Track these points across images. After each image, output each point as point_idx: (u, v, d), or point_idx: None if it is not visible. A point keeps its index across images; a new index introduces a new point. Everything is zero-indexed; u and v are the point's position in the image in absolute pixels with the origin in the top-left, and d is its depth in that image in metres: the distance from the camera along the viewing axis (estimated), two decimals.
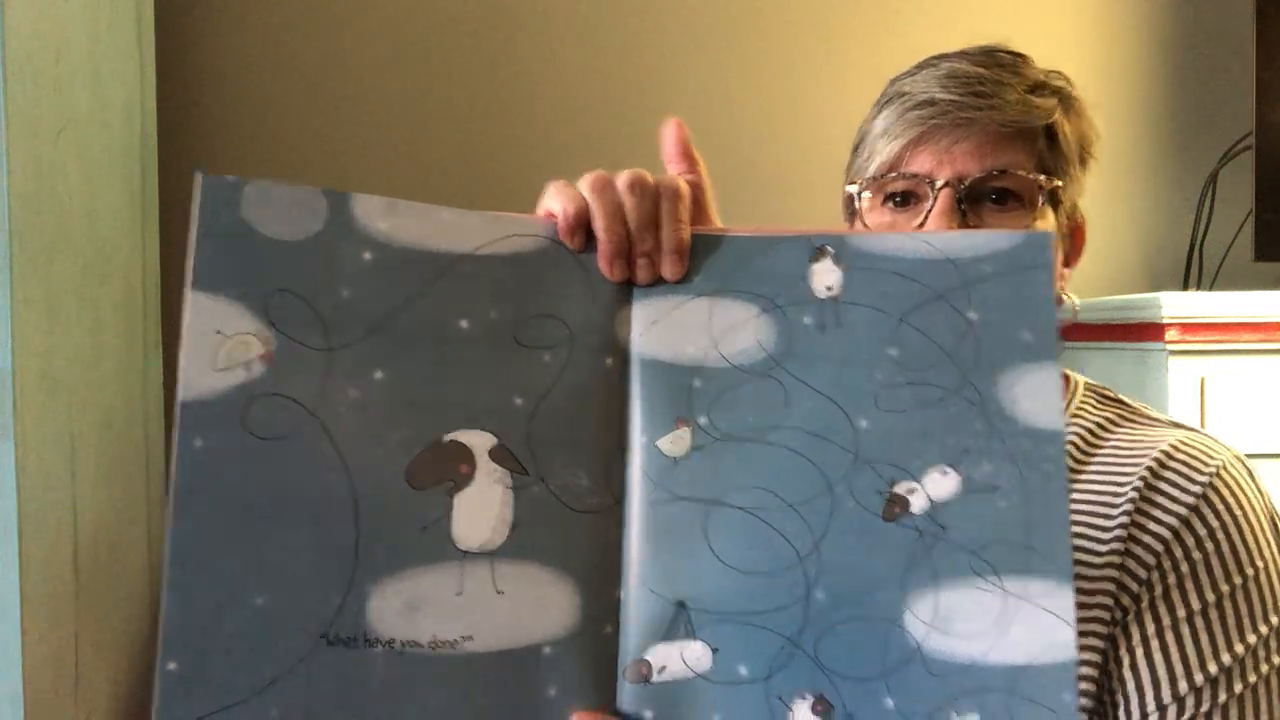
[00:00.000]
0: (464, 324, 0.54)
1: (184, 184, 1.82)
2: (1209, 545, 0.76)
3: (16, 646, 1.31)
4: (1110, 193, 1.95)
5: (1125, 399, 0.89)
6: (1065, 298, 0.88)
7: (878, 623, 0.52)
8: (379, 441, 0.53)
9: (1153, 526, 0.77)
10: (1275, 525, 0.80)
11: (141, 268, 1.70)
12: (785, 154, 1.90)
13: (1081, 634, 0.74)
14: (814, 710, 0.52)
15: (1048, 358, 0.54)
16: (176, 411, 0.51)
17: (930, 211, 0.78)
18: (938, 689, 0.51)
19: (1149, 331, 1.51)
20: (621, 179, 0.59)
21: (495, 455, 0.54)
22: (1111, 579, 0.76)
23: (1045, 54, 1.96)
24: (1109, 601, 0.76)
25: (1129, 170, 1.96)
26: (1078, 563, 0.75)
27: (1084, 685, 0.75)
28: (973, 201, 0.79)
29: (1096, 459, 0.82)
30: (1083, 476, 0.81)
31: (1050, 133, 0.81)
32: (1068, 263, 0.88)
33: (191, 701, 0.51)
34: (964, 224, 0.78)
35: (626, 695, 0.53)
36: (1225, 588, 0.75)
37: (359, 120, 1.89)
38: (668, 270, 0.57)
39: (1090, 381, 0.90)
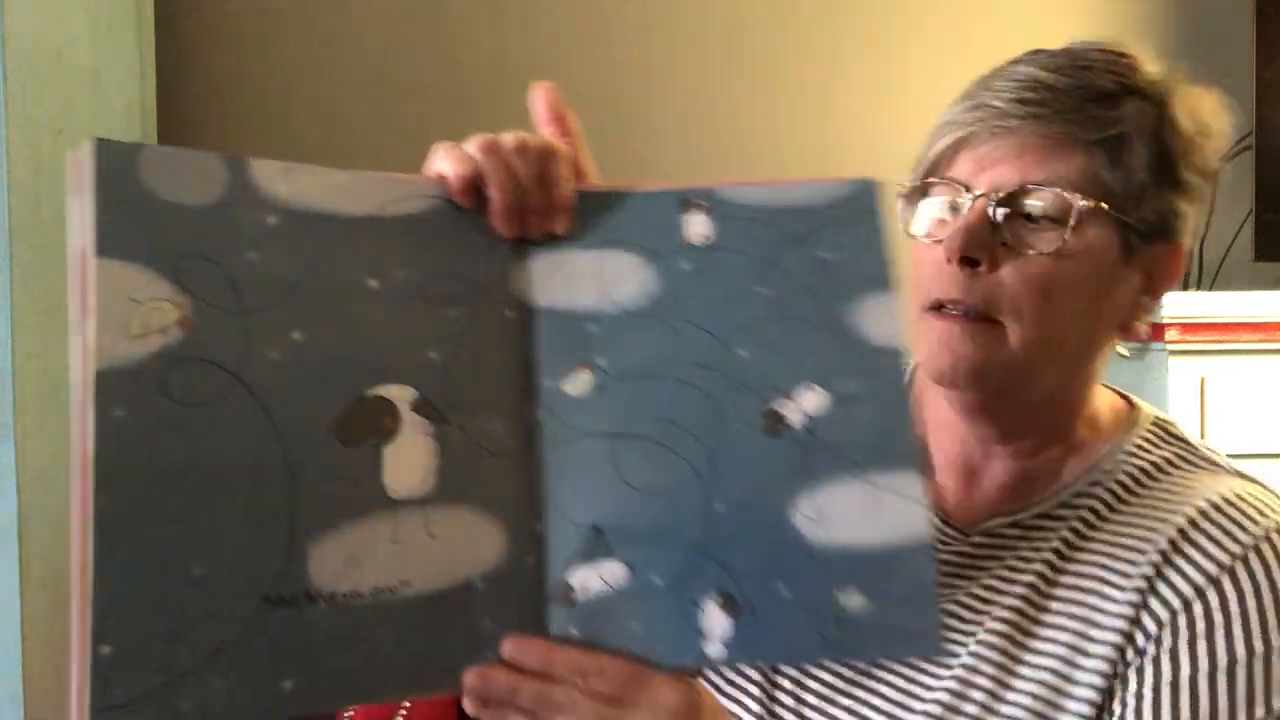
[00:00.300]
0: (373, 284, 0.56)
1: None
2: (1233, 609, 0.70)
3: (16, 646, 1.31)
4: None
5: (1191, 439, 0.81)
6: (1140, 328, 0.78)
7: (769, 524, 0.58)
8: (304, 401, 0.53)
9: (1178, 579, 0.72)
10: None
11: None
12: (786, 155, 1.90)
13: (1083, 695, 0.72)
14: (721, 607, 0.58)
15: (887, 287, 0.62)
16: (90, 381, 0.49)
17: (960, 221, 0.72)
18: (824, 574, 0.58)
19: (1149, 331, 1.51)
20: (508, 140, 0.60)
21: (417, 407, 0.56)
22: (1123, 628, 0.72)
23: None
24: (1114, 654, 0.72)
25: None
26: (1095, 607, 0.73)
27: (1088, 710, 0.71)
28: (1010, 214, 0.72)
29: (1139, 501, 0.76)
30: (1118, 517, 0.76)
31: (1112, 146, 0.72)
32: (1151, 290, 0.77)
33: (130, 684, 0.49)
34: (994, 237, 0.72)
35: (554, 617, 0.57)
36: (1241, 653, 0.70)
37: (359, 120, 1.89)
38: (558, 226, 0.61)
39: (1161, 416, 0.83)
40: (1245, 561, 0.71)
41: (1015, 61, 0.77)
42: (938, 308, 0.74)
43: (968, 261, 0.72)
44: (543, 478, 0.58)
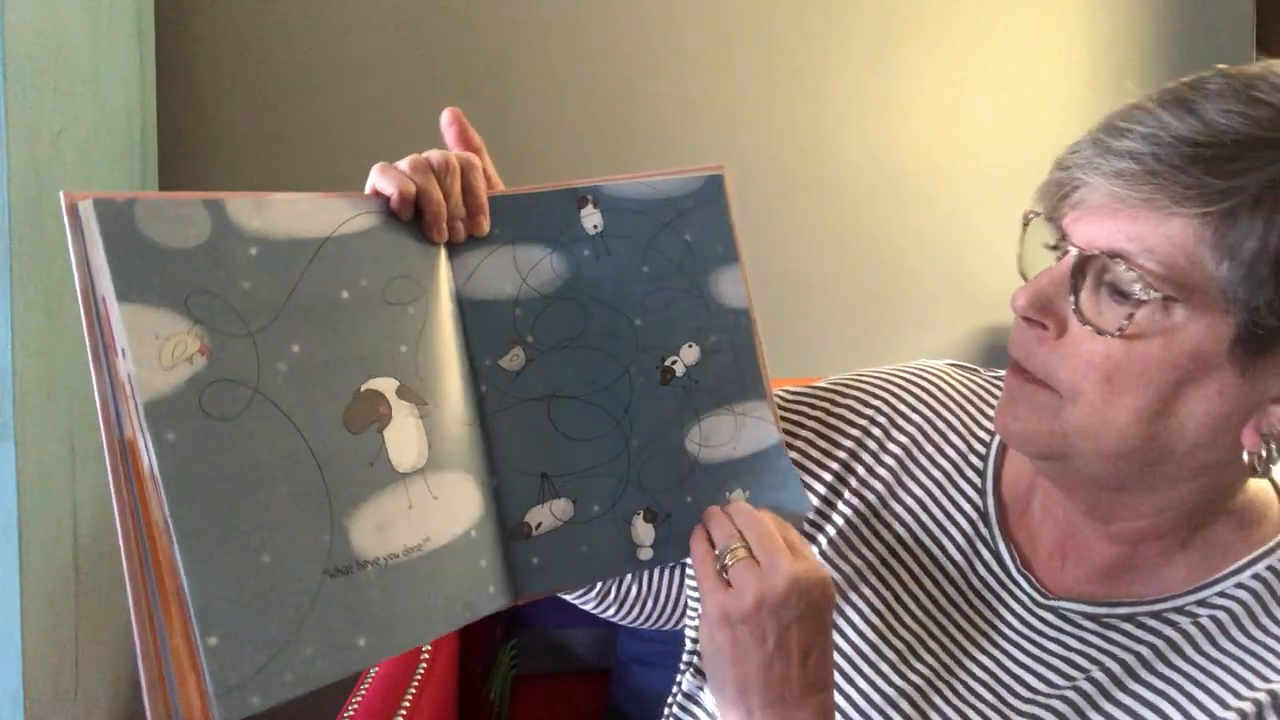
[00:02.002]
0: (345, 294, 0.64)
1: (184, 184, 1.82)
2: None
3: (16, 646, 1.31)
4: None
5: None
6: (1266, 451, 0.66)
7: (671, 451, 0.75)
8: (314, 401, 0.62)
9: None
10: None
11: None
12: (783, 156, 1.91)
13: None
14: (646, 520, 0.74)
15: (734, 260, 0.78)
16: (141, 413, 0.56)
17: (1040, 279, 0.67)
18: (713, 482, 0.75)
19: None
20: (435, 159, 0.68)
21: (400, 394, 0.65)
22: None
23: (1044, 55, 1.97)
24: None
25: None
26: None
27: None
28: (1094, 278, 0.65)
29: (1240, 644, 0.67)
30: (1206, 657, 0.67)
31: (1224, 218, 0.59)
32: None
33: (242, 664, 0.56)
34: (1066, 300, 0.66)
35: (516, 551, 0.70)
36: None
37: (358, 120, 1.89)
38: (479, 228, 0.70)
39: None
40: None
41: (1165, 91, 0.66)
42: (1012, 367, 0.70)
43: (1033, 322, 0.68)
44: (494, 440, 0.70)
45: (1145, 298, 0.62)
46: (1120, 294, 0.64)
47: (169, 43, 1.83)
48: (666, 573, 0.92)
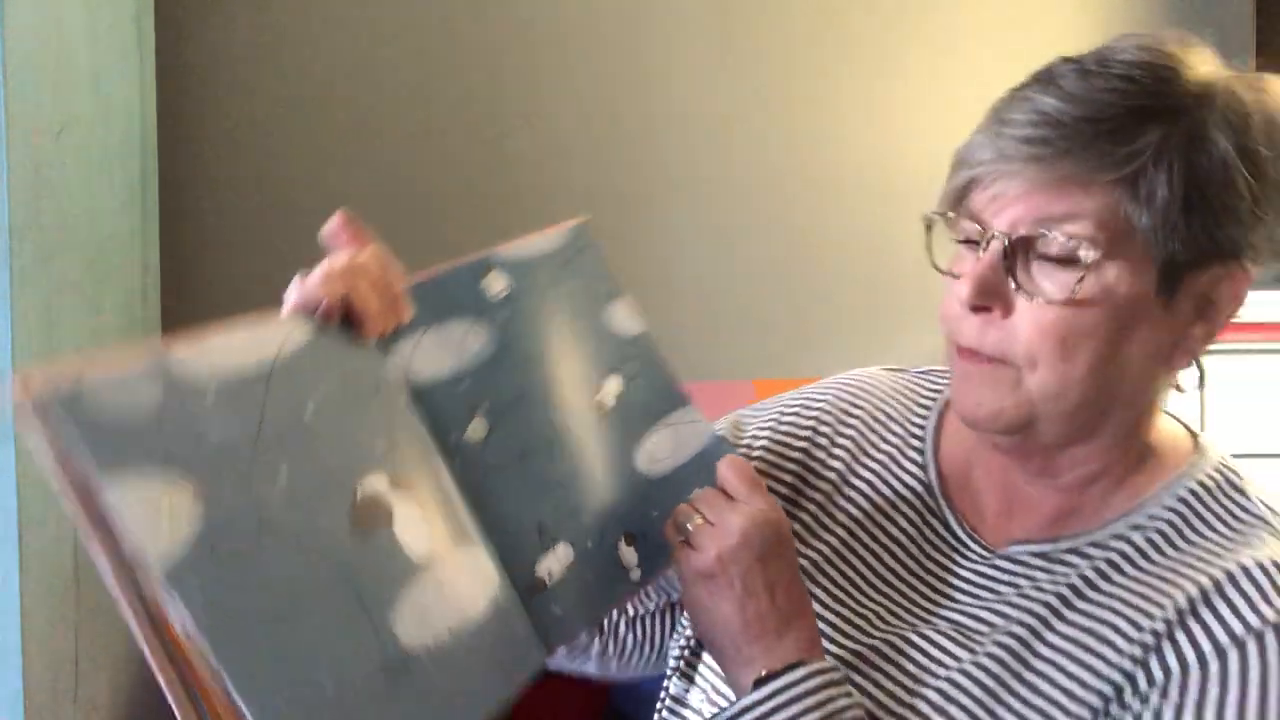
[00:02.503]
0: (310, 408, 0.64)
1: (184, 184, 1.83)
2: (1235, 684, 0.67)
3: (16, 647, 1.31)
4: None
5: (1249, 490, 0.77)
6: (1190, 359, 0.75)
7: (628, 476, 0.79)
8: (318, 517, 0.62)
9: (1184, 641, 0.70)
10: None
11: (141, 268, 1.70)
12: (784, 157, 1.90)
13: (1084, 703, 0.71)
14: (626, 543, 0.77)
15: (618, 295, 0.84)
16: (163, 586, 0.55)
17: (973, 266, 0.72)
18: (672, 491, 0.79)
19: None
20: (345, 263, 0.69)
21: (395, 485, 0.66)
22: (1115, 683, 0.70)
23: (1044, 53, 1.96)
24: (1100, 704, 0.71)
25: None
26: (1097, 655, 0.72)
27: None
28: (1025, 254, 0.71)
29: (1174, 558, 0.74)
30: (1147, 571, 0.74)
31: (1132, 180, 0.69)
32: (1206, 317, 0.74)
33: None
34: (1007, 282, 0.71)
35: (537, 605, 0.71)
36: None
37: (358, 120, 1.89)
38: (402, 318, 0.71)
39: (1225, 461, 0.79)
40: (1261, 639, 0.68)
41: (1034, 82, 0.74)
42: (960, 349, 0.75)
43: (981, 309, 0.72)
44: (485, 507, 0.71)
45: (1087, 261, 0.69)
46: (1061, 262, 0.70)
47: (169, 43, 1.83)
48: (658, 621, 0.96)
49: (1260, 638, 0.68)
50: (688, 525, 0.75)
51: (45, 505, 1.37)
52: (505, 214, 1.91)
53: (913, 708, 0.75)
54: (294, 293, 0.69)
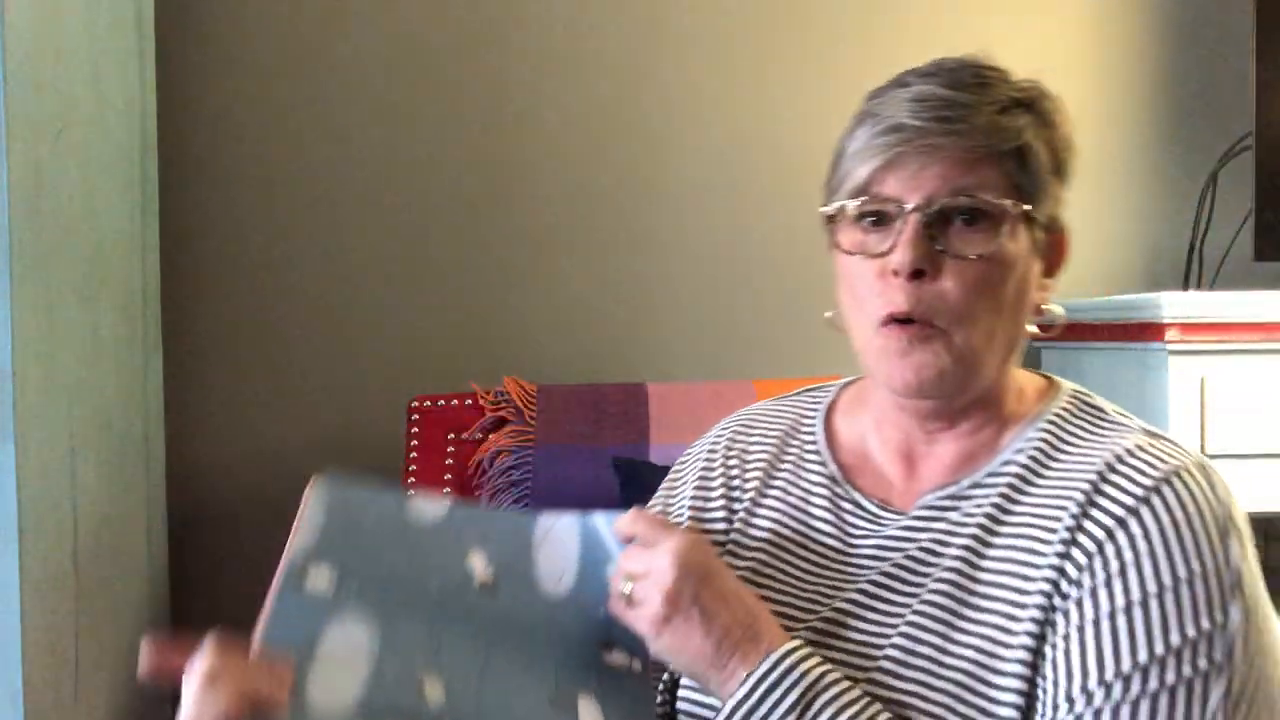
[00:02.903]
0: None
1: (184, 184, 1.83)
2: (1142, 545, 0.77)
3: (16, 646, 1.31)
4: (1110, 192, 1.95)
5: (1106, 407, 0.90)
6: (1047, 308, 0.89)
7: (556, 605, 0.83)
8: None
9: (1091, 525, 0.79)
10: (1225, 534, 0.79)
11: (141, 268, 1.70)
12: (786, 158, 1.90)
13: (1019, 641, 0.79)
14: (607, 651, 0.82)
15: (405, 499, 0.88)
16: None
17: (900, 237, 0.82)
18: (592, 586, 0.83)
19: (1149, 331, 1.51)
20: (206, 681, 0.74)
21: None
22: (1049, 585, 0.79)
23: (1045, 54, 1.97)
24: (1045, 602, 0.79)
25: (1129, 170, 1.96)
26: (1026, 563, 0.80)
27: (1018, 684, 0.78)
28: (941, 224, 0.82)
29: (1061, 464, 0.84)
30: (1043, 480, 0.84)
31: (1020, 153, 0.83)
32: (1049, 273, 0.89)
33: None
34: (933, 247, 0.81)
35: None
36: (1152, 587, 0.76)
37: (358, 120, 1.89)
38: (286, 678, 0.75)
39: (1078, 389, 0.92)
40: (1148, 502, 0.79)
41: (904, 83, 0.85)
42: (889, 321, 0.83)
43: (917, 274, 0.81)
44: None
45: (999, 222, 0.82)
46: (976, 226, 0.82)
47: (169, 43, 1.83)
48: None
49: (1147, 501, 0.78)
50: (625, 591, 0.81)
51: (45, 505, 1.37)
52: (506, 214, 1.91)
53: (884, 657, 0.82)
54: None
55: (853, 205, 0.85)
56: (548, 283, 1.91)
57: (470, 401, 1.69)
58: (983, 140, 0.81)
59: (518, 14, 1.90)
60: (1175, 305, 1.47)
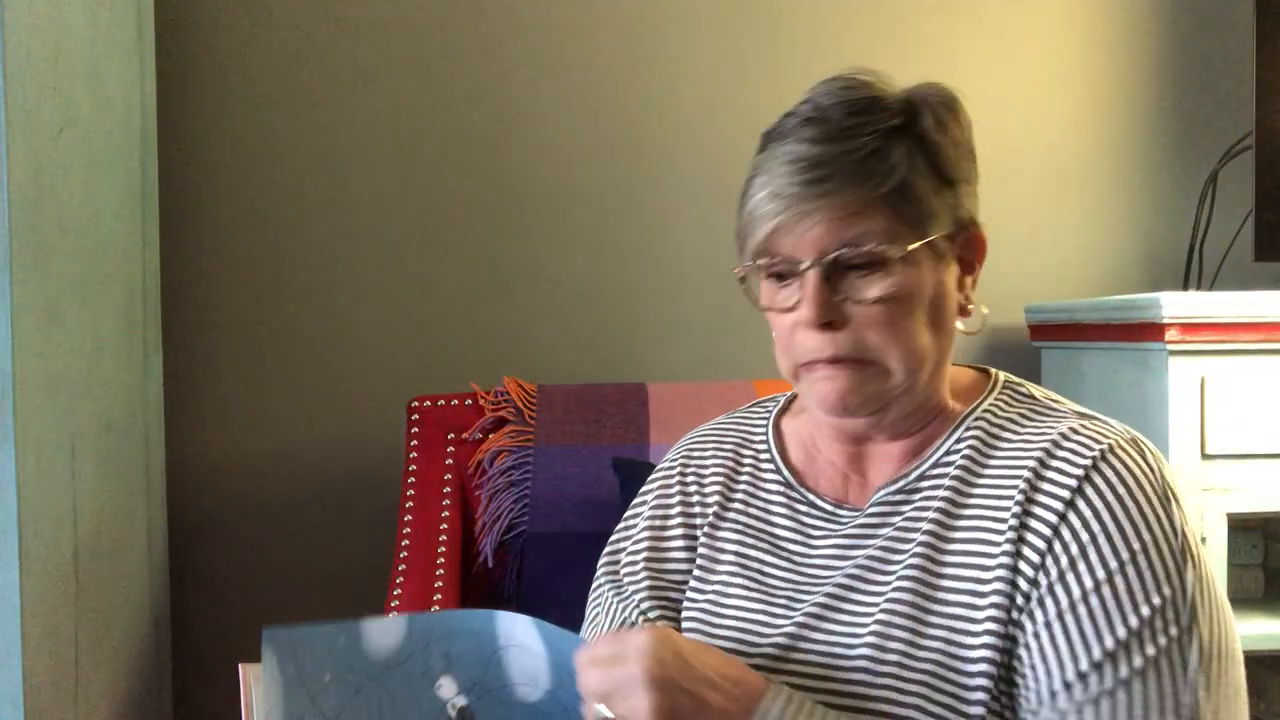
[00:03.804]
0: None
1: (184, 184, 1.83)
2: (1095, 526, 0.81)
3: (16, 646, 1.31)
4: (1110, 193, 1.95)
5: (1038, 394, 0.93)
6: (972, 306, 0.91)
7: (534, 712, 0.85)
8: None
9: (1039, 514, 0.83)
10: (1166, 502, 0.82)
11: (141, 268, 1.70)
12: None
13: (983, 629, 0.81)
14: None
15: (353, 631, 0.83)
16: None
17: (804, 292, 0.86)
18: (564, 684, 0.82)
19: (1149, 331, 1.51)
20: None
21: None
22: (1006, 572, 0.82)
23: (1045, 53, 1.97)
24: (1003, 599, 0.81)
25: (1129, 170, 1.96)
26: (978, 566, 0.83)
27: (983, 681, 0.80)
28: (840, 273, 0.86)
29: (996, 458, 0.87)
30: (982, 477, 0.87)
31: (902, 188, 0.85)
32: (969, 271, 0.91)
33: None
34: (835, 298, 0.85)
35: None
36: (1113, 564, 0.79)
37: (358, 120, 1.89)
38: None
39: (1011, 378, 0.96)
40: (1087, 483, 0.82)
41: (782, 133, 0.87)
42: (812, 363, 0.88)
43: (826, 325, 0.86)
44: None
45: (891, 262, 0.85)
46: (870, 270, 0.85)
47: (169, 43, 1.83)
48: None
49: (1087, 482, 0.82)
50: (605, 715, 0.80)
51: (45, 505, 1.37)
52: (506, 214, 1.91)
53: (858, 657, 0.84)
54: None
55: (758, 265, 0.88)
56: (548, 283, 1.91)
57: (470, 401, 1.69)
58: (856, 194, 0.84)
59: (518, 15, 1.90)
60: (1175, 305, 1.47)
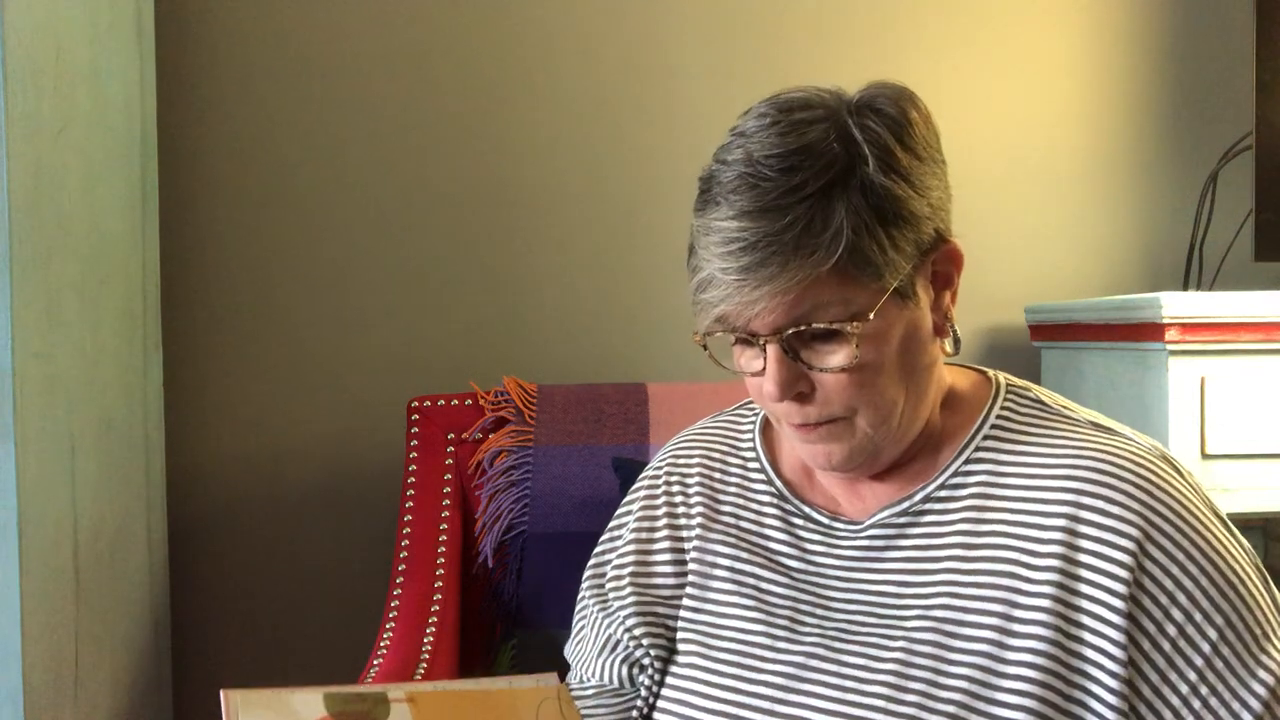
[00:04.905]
0: None
1: (184, 184, 1.83)
2: (1184, 580, 0.78)
3: (16, 646, 1.31)
4: (1110, 193, 1.95)
5: (1044, 398, 0.90)
6: (952, 329, 0.88)
7: None
8: None
9: (1103, 566, 0.79)
10: (1221, 518, 0.82)
11: (141, 268, 1.70)
12: None
13: (1013, 663, 0.79)
14: None
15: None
16: None
17: (766, 363, 0.82)
18: None
19: (1149, 331, 1.51)
20: None
21: None
22: (1052, 618, 0.79)
23: (1045, 53, 1.96)
24: (1052, 646, 0.78)
25: (1129, 170, 1.96)
26: (1006, 602, 0.80)
27: (1022, 716, 0.78)
28: (800, 341, 0.81)
29: (1015, 482, 0.84)
30: (1002, 501, 0.84)
31: (850, 250, 0.77)
32: (947, 284, 0.86)
33: None
34: (799, 368, 0.81)
35: None
36: (1225, 608, 0.78)
37: (358, 120, 1.89)
38: None
39: (1013, 381, 0.92)
40: (1150, 525, 0.78)
41: (715, 202, 0.82)
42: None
43: (795, 397, 0.82)
44: None
45: (852, 333, 0.79)
46: (831, 339, 0.80)
47: (169, 43, 1.83)
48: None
49: (1149, 523, 0.78)
50: None
51: (45, 505, 1.37)
52: (506, 214, 1.91)
53: (873, 694, 0.81)
54: None
55: (716, 333, 0.84)
56: (548, 283, 1.91)
57: (470, 401, 1.69)
58: (800, 274, 0.77)
59: (517, 15, 1.90)
60: (1175, 305, 1.47)
